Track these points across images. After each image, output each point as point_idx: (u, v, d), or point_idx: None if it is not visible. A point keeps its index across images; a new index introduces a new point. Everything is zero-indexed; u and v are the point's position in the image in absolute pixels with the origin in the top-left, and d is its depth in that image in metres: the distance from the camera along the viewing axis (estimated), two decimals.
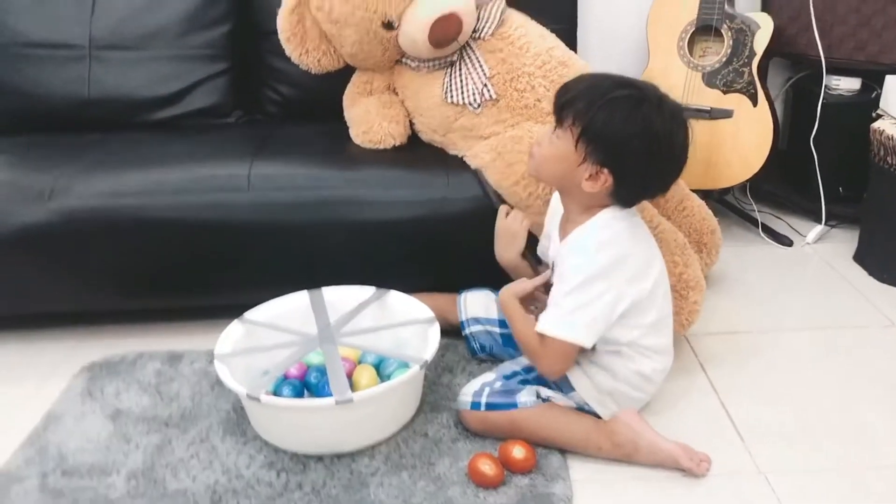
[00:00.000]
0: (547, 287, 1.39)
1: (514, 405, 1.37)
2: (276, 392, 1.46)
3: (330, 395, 1.33)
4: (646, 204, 1.59)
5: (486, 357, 1.61)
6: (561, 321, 1.30)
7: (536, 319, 1.34)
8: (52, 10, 1.96)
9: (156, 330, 1.79)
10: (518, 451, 1.31)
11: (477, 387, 1.41)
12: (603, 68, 1.79)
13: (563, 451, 1.37)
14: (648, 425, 1.35)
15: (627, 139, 1.26)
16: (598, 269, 1.29)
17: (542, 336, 1.31)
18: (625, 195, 1.32)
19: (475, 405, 1.39)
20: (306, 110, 2.03)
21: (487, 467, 1.29)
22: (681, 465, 1.32)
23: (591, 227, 1.33)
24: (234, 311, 1.57)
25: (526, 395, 1.38)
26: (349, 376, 1.47)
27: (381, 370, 1.52)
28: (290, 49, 1.79)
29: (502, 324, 1.58)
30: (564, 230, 1.38)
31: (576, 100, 1.28)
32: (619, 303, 1.30)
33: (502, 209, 1.58)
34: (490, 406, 1.38)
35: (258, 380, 1.40)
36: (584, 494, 1.29)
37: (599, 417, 1.39)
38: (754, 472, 1.33)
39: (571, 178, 1.30)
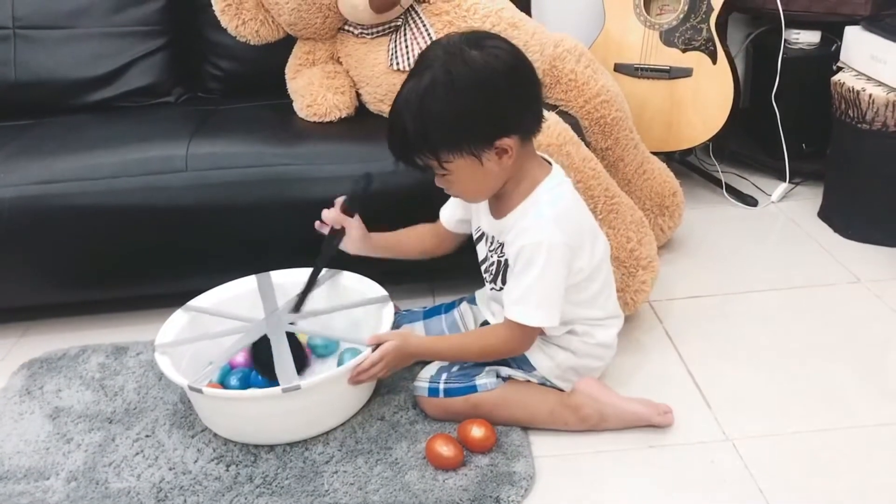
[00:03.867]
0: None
1: (474, 388, 1.31)
2: (224, 381, 1.40)
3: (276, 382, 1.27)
4: (604, 174, 1.52)
5: None
6: (537, 312, 1.22)
7: None
8: None
9: (100, 322, 1.72)
10: (477, 431, 1.26)
11: (433, 371, 1.35)
12: (558, 29, 1.75)
13: (525, 427, 1.32)
14: (610, 390, 1.32)
15: (472, 105, 1.13)
16: (560, 245, 1.20)
17: (516, 325, 1.23)
18: (530, 126, 1.21)
19: (433, 391, 1.33)
20: (250, 85, 1.94)
21: (445, 449, 1.23)
22: (651, 423, 1.30)
23: (545, 200, 1.23)
24: (183, 299, 1.50)
25: (485, 377, 1.32)
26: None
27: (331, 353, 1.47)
28: (226, 21, 1.70)
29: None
30: (500, 206, 1.27)
31: (405, 144, 1.17)
32: (575, 275, 1.25)
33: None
34: (449, 392, 1.32)
35: (203, 370, 1.33)
36: (547, 471, 1.24)
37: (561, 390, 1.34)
38: (721, 439, 1.29)
39: (493, 175, 1.20)
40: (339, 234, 1.43)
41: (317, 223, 1.44)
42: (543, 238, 1.20)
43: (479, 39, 1.17)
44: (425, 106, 1.13)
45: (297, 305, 1.45)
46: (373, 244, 1.45)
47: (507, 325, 1.26)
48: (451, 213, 1.43)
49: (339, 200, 1.43)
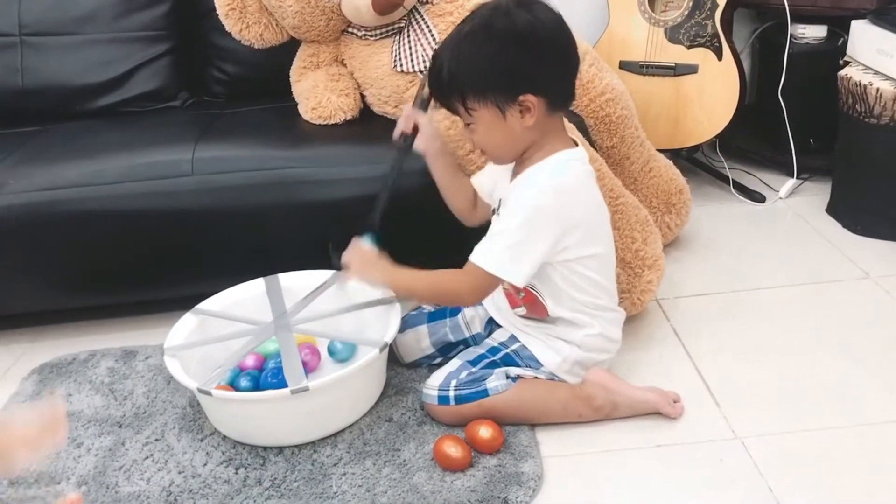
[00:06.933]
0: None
1: (486, 393, 1.30)
2: (233, 384, 1.40)
3: (284, 384, 1.27)
4: (609, 175, 1.52)
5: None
6: (499, 257, 1.22)
7: None
8: None
9: (109, 327, 1.73)
10: (484, 432, 1.26)
11: (441, 379, 1.33)
12: None
13: (537, 424, 1.32)
14: (619, 379, 1.34)
15: (503, 54, 1.16)
16: (550, 209, 1.21)
17: (475, 269, 1.23)
18: (559, 96, 1.23)
19: (443, 399, 1.31)
20: (255, 88, 1.94)
21: (453, 450, 1.23)
22: (661, 411, 1.31)
23: (551, 165, 1.24)
24: (192, 302, 1.51)
25: (495, 380, 1.31)
26: (305, 363, 1.41)
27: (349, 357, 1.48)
28: (230, 25, 1.71)
29: (442, 351, 1.47)
30: (515, 172, 1.29)
31: (439, 83, 1.21)
32: (559, 253, 1.24)
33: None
34: (460, 399, 1.31)
35: (212, 373, 1.34)
36: (555, 471, 1.24)
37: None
38: (731, 437, 1.28)
39: (514, 134, 1.21)
40: (411, 135, 1.42)
41: (394, 134, 1.43)
42: (531, 197, 1.22)
43: (529, 4, 1.20)
44: (462, 48, 1.18)
45: (374, 214, 1.43)
46: (441, 148, 1.44)
47: (466, 270, 1.24)
48: (480, 180, 1.43)
49: (408, 106, 1.43)
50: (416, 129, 1.42)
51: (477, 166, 1.51)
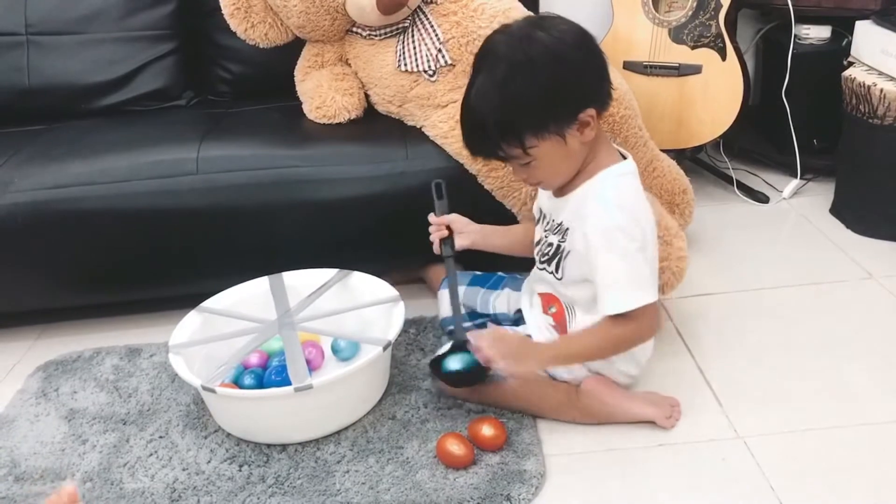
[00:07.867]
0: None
1: None
2: (237, 381, 1.41)
3: (288, 382, 1.28)
4: None
5: None
6: (634, 292, 1.19)
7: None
8: None
9: (115, 324, 1.73)
10: (487, 429, 1.26)
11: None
12: None
13: (536, 419, 1.33)
14: (617, 390, 1.32)
15: (553, 82, 1.13)
16: (629, 223, 1.20)
17: (619, 318, 1.20)
18: (606, 98, 1.20)
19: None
20: (260, 88, 1.95)
21: (456, 448, 1.24)
22: (657, 424, 1.30)
23: (608, 181, 1.21)
24: (196, 300, 1.52)
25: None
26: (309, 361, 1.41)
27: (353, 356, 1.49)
28: (235, 24, 1.72)
29: (471, 317, 1.48)
30: (567, 188, 1.27)
31: (486, 137, 1.16)
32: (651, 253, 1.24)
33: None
34: None
35: (216, 370, 1.34)
36: (558, 469, 1.24)
37: None
38: (733, 437, 1.28)
39: (575, 154, 1.19)
40: (449, 238, 1.42)
41: (434, 247, 1.42)
42: (611, 223, 1.19)
43: (540, 21, 1.19)
44: (508, 94, 1.13)
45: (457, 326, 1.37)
46: (481, 231, 1.43)
47: (610, 322, 1.21)
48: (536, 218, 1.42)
49: (431, 216, 1.43)
50: (450, 230, 1.41)
51: (483, 163, 1.52)
